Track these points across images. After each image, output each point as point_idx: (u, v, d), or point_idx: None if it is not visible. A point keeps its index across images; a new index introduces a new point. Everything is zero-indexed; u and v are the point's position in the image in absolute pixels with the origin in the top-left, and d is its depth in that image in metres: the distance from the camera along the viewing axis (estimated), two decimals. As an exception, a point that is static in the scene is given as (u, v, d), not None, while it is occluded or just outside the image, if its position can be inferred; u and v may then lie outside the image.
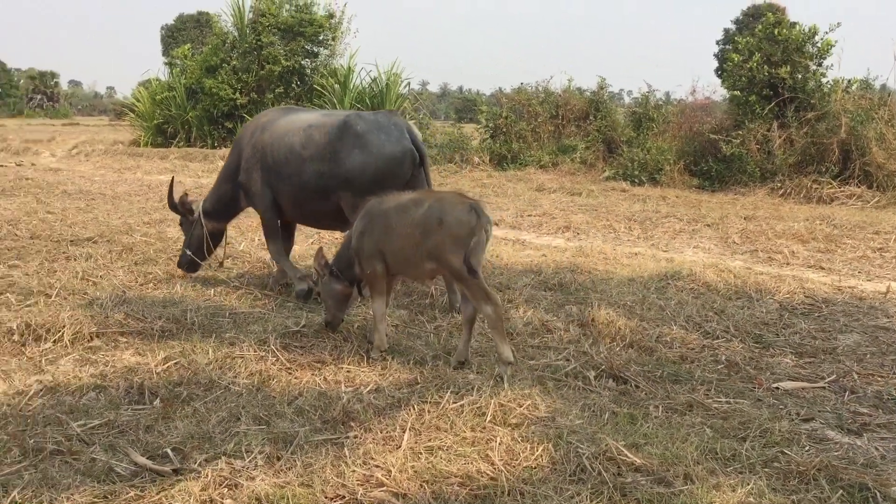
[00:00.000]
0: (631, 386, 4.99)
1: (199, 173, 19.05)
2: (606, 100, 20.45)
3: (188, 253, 7.45)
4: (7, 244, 8.95)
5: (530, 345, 5.79)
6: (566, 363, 5.32)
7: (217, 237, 7.56)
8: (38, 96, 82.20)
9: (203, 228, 7.41)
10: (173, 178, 8.12)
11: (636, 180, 16.80)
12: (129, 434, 4.07)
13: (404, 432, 4.08)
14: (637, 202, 14.54)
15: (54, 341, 5.43)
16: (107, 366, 5.08)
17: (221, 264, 7.90)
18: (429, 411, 4.32)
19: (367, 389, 4.75)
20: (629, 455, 3.79)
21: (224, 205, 7.39)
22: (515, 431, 4.10)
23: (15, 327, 5.50)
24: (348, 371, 5.09)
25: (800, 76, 16.74)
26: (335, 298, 5.73)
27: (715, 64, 60.17)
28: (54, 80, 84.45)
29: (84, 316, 5.84)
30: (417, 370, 5.09)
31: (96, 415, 4.29)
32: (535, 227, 11.99)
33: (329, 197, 6.60)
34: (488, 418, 4.23)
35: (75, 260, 7.99)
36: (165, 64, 32.35)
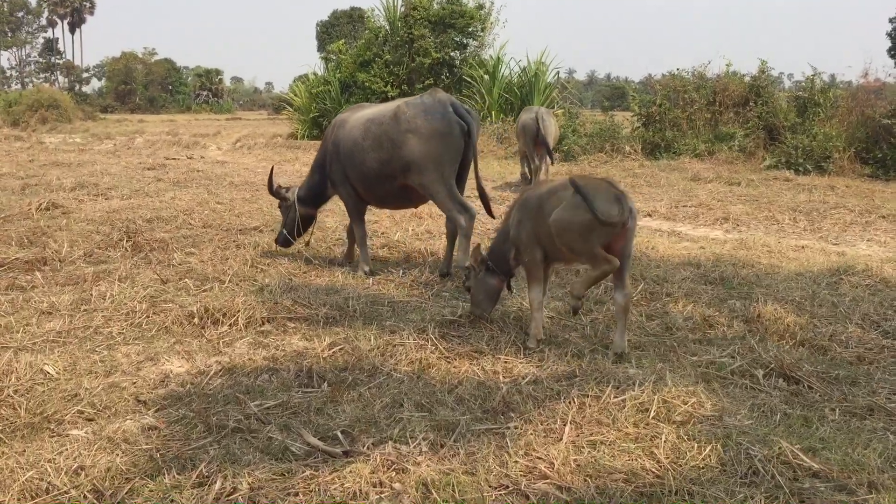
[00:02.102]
0: (803, 387, 4.73)
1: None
2: (768, 84, 19.38)
3: (284, 232, 8.24)
4: (183, 232, 9.58)
5: (692, 340, 5.61)
6: (731, 360, 5.11)
7: (307, 220, 8.34)
8: (204, 93, 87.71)
9: (297, 212, 8.17)
10: (273, 167, 8.88)
11: (800, 169, 15.88)
12: (302, 415, 4.27)
13: (565, 425, 4.06)
14: (802, 192, 13.76)
15: (230, 325, 5.78)
16: (278, 349, 5.36)
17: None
18: (589, 405, 4.27)
19: (526, 381, 4.76)
20: (806, 459, 3.61)
21: (314, 193, 8.18)
22: (681, 429, 3.99)
23: (195, 311, 5.90)
24: (506, 362, 5.12)
25: None
26: (489, 292, 5.82)
27: (888, 43, 55.94)
28: (218, 76, 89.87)
29: (256, 302, 6.18)
30: (575, 363, 5.05)
31: (270, 396, 4.53)
32: (690, 219, 11.60)
33: (393, 180, 7.30)
34: (651, 414, 4.14)
35: (244, 248, 8.44)
36: (321, 59, 33.65)
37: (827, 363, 5.14)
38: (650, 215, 11.88)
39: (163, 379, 4.83)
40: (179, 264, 7.78)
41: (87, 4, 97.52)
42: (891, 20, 57.34)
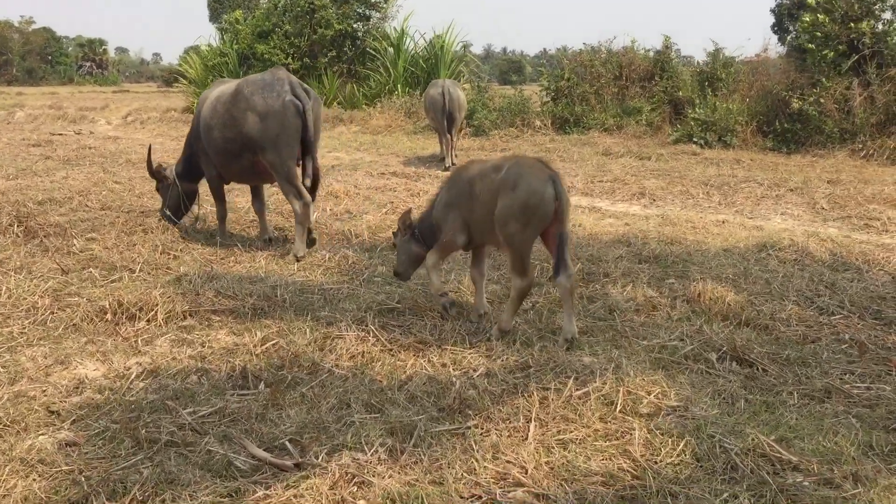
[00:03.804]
0: (757, 370, 4.65)
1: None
2: (673, 59, 19.63)
3: (167, 212, 8.21)
4: (80, 215, 8.88)
5: (638, 323, 5.46)
6: (682, 344, 4.99)
7: (191, 196, 8.31)
8: (88, 64, 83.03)
9: (178, 189, 8.14)
10: (150, 146, 8.79)
11: (705, 143, 16.15)
12: (241, 423, 3.88)
13: (529, 423, 3.83)
14: (710, 166, 13.97)
15: (148, 320, 5.28)
16: (204, 346, 4.91)
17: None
18: (552, 399, 4.05)
19: (478, 373, 4.50)
20: (783, 451, 3.48)
21: (191, 167, 8.11)
22: (650, 422, 3.81)
23: (107, 305, 5.35)
24: (453, 353, 4.84)
25: (881, 30, 15.91)
26: (409, 257, 5.69)
27: (771, 20, 58.11)
28: (102, 47, 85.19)
29: (174, 293, 5.68)
30: (527, 352, 4.80)
31: (203, 401, 4.11)
32: (607, 194, 11.55)
33: (242, 158, 7.31)
34: (618, 408, 3.95)
35: (152, 232, 7.84)
36: (217, 29, 32.25)
37: (774, 343, 5.09)
38: (567, 191, 11.78)
39: (77, 385, 4.34)
40: (81, 252, 7.16)
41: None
42: (774, -3, 59.55)
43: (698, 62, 21.87)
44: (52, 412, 4.02)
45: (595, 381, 4.19)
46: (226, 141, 7.29)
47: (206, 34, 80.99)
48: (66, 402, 4.13)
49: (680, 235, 8.17)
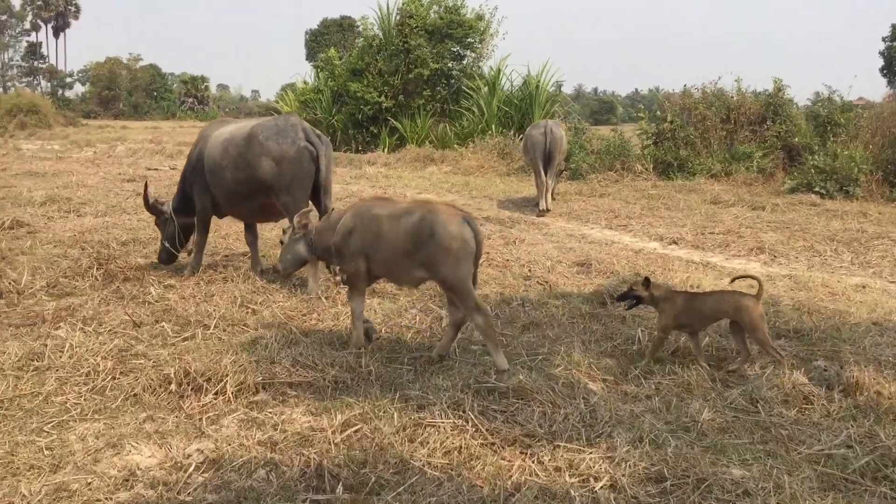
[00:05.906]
0: (958, 497, 3.67)
1: (347, 179, 18.46)
2: (785, 102, 18.35)
3: (166, 245, 8.08)
4: (163, 258, 8.48)
5: (790, 420, 4.52)
6: (851, 453, 4.04)
7: (187, 230, 8.21)
8: (190, 99, 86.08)
9: (175, 224, 8.09)
10: (147, 182, 8.74)
11: (825, 192, 14.87)
12: (313, 546, 3.16)
13: (676, 568, 2.97)
14: (834, 218, 12.74)
15: (216, 393, 4.64)
16: (276, 429, 4.23)
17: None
18: (702, 534, 3.19)
19: (601, 485, 3.67)
20: None
21: (188, 202, 8.10)
22: (840, 581, 2.91)
23: (172, 374, 4.74)
24: (567, 451, 4.02)
25: None
26: (295, 258, 5.73)
27: (880, 62, 55.50)
28: (204, 83, 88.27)
29: (248, 361, 5.03)
30: (658, 455, 3.94)
31: (269, 509, 3.40)
32: (720, 248, 10.52)
33: (254, 199, 7.53)
34: (792, 554, 3.06)
35: (233, 281, 7.32)
36: (313, 66, 32.49)
37: (968, 456, 4.08)
38: (676, 242, 10.84)
39: (127, 477, 3.71)
40: (156, 301, 6.68)
41: (73, 9, 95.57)
42: (884, 39, 56.91)
43: (806, 105, 20.60)
44: (95, 512, 3.39)
45: (754, 510, 3.30)
46: (237, 182, 7.45)
47: (303, 72, 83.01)
48: (111, 499, 3.50)
49: (817, 303, 7.14)
